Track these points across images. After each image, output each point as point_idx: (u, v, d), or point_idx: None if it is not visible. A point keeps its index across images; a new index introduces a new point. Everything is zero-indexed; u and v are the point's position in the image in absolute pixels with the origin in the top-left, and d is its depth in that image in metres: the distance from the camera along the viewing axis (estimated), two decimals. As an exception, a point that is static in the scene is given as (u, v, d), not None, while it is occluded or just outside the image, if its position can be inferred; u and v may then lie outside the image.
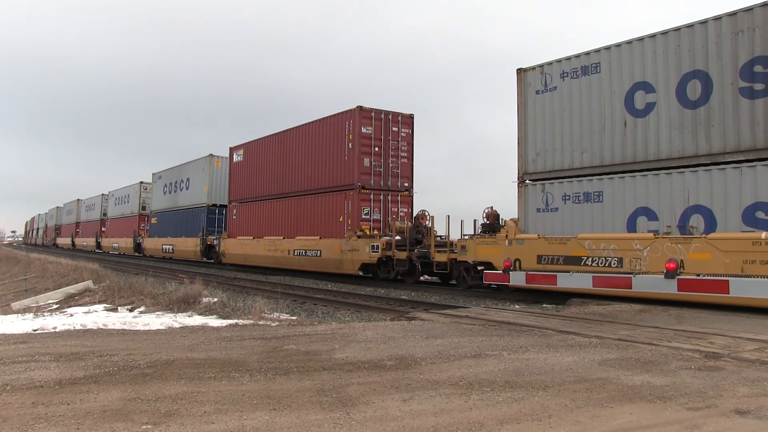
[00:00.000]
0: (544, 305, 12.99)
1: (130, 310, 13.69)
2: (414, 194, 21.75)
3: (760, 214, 10.46)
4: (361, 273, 20.77)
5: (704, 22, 11.45)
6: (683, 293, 10.96)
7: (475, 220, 16.68)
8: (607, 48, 12.97)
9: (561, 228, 13.57)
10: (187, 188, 34.23)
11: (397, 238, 19.40)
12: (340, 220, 20.80)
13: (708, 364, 5.96)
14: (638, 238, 11.95)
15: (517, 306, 13.04)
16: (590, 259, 12.67)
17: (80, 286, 19.40)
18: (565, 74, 13.77)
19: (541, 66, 14.35)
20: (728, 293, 10.31)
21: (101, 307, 15.01)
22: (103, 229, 52.65)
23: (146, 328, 9.56)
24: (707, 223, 11.16)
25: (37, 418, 4.19)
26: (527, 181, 14.61)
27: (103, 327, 9.64)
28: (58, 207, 74.83)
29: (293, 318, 11.55)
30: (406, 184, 21.53)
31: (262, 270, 26.42)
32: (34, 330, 9.67)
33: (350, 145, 20.59)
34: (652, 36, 12.22)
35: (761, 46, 10.66)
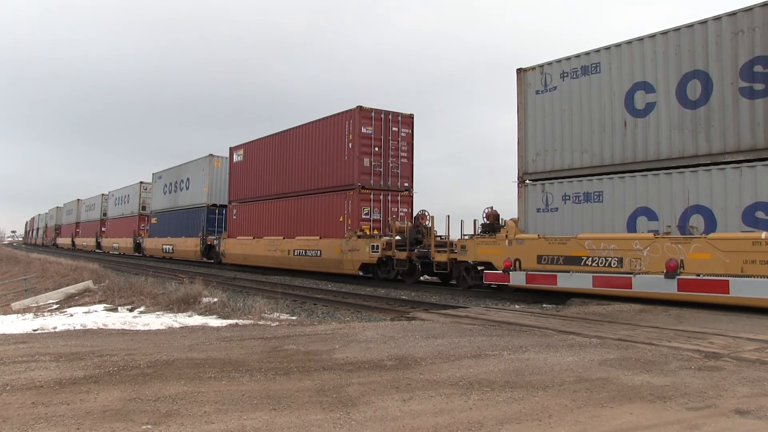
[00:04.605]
0: (544, 305, 12.99)
1: (130, 310, 13.69)
2: (414, 194, 21.78)
3: (760, 214, 10.46)
4: (361, 273, 20.77)
5: (704, 22, 11.45)
6: (683, 293, 10.95)
7: (475, 220, 16.70)
8: (607, 48, 12.97)
9: (561, 228, 13.57)
10: (187, 188, 34.23)
11: (397, 238, 19.40)
12: (340, 220, 20.80)
13: (708, 364, 5.96)
14: (638, 238, 11.94)
15: (517, 306, 13.04)
16: (590, 259, 12.67)
17: (80, 286, 19.40)
18: (565, 74, 13.77)
19: (541, 66, 14.35)
20: (728, 293, 10.31)
21: (101, 307, 15.01)
22: (103, 229, 52.65)
23: (146, 328, 9.56)
24: (707, 223, 11.16)
25: (37, 418, 4.19)
26: (527, 181, 14.61)
27: (103, 327, 9.64)
28: (58, 207, 74.84)
29: (293, 318, 11.54)
30: (406, 184, 21.53)
31: (262, 270, 26.41)
32: (34, 330, 9.67)
33: (350, 145, 20.59)
34: (652, 36, 12.22)
35: (761, 46, 10.66)
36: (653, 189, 12.00)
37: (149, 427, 4.02)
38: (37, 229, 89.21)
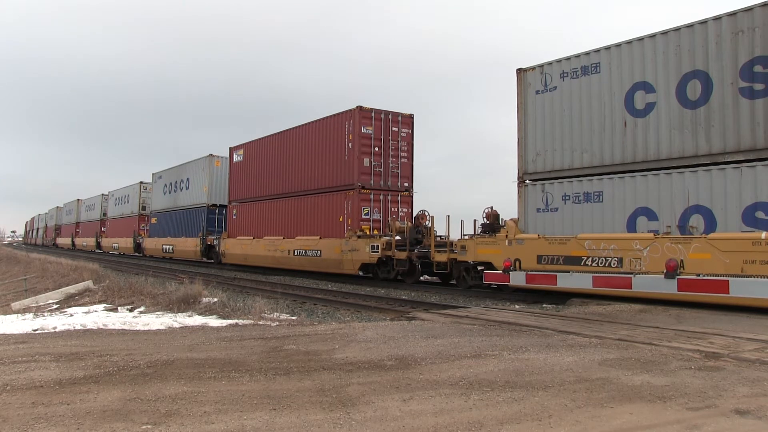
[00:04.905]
0: (544, 305, 12.99)
1: (130, 310, 13.69)
2: (414, 194, 21.78)
3: (760, 214, 10.46)
4: (361, 273, 20.77)
5: (704, 22, 11.45)
6: (683, 293, 10.96)
7: (475, 220, 16.71)
8: (607, 48, 12.97)
9: (561, 228, 13.57)
10: (187, 188, 34.23)
11: (397, 238, 19.40)
12: (340, 220, 20.80)
13: (708, 364, 5.96)
14: (638, 238, 11.94)
15: (517, 306, 13.04)
16: (590, 259, 12.67)
17: (80, 286, 19.40)
18: (565, 74, 13.77)
19: (541, 66, 14.34)
20: (728, 293, 10.31)
21: (101, 307, 15.02)
22: (103, 229, 52.65)
23: (146, 328, 9.56)
24: (707, 223, 11.16)
25: (37, 418, 4.19)
26: (527, 181, 14.61)
27: (103, 327, 9.64)
28: (58, 207, 74.82)
29: (293, 318, 11.55)
30: (406, 184, 21.53)
31: (262, 270, 26.41)
32: (34, 330, 9.67)
33: (350, 145, 20.59)
34: (652, 36, 12.22)
35: (761, 46, 10.66)
36: (653, 189, 11.99)
37: (149, 427, 4.02)
38: (37, 229, 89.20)
